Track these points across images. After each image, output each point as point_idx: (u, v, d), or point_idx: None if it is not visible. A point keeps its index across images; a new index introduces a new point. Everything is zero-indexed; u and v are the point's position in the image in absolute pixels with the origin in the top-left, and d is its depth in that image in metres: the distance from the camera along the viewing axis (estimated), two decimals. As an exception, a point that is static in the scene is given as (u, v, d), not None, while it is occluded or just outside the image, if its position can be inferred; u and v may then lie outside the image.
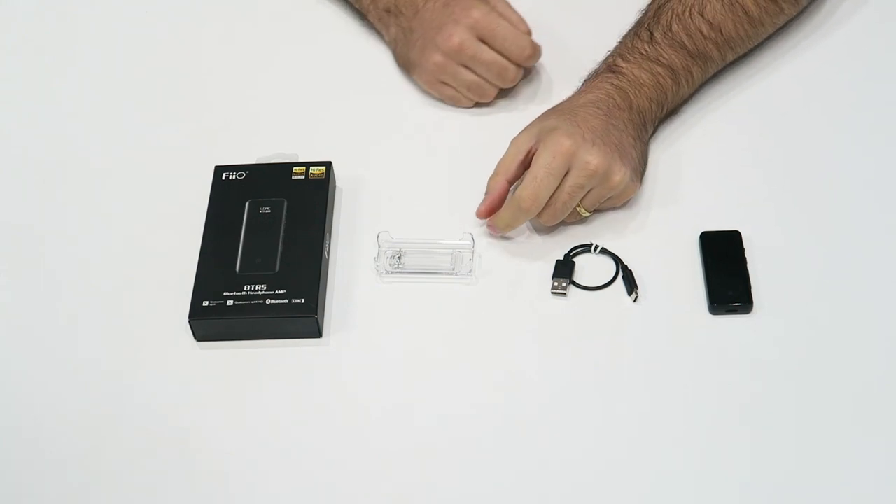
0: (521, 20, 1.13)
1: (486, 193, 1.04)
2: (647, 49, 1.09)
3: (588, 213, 1.04)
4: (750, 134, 1.12)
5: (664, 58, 1.08)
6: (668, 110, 1.10)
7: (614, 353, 0.98)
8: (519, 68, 1.12)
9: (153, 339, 1.01)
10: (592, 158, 1.00)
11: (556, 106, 1.08)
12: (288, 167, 1.08)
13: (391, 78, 1.17)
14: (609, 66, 1.09)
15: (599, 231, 1.05)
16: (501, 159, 1.04)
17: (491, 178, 1.04)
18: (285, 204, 1.05)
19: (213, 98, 1.19)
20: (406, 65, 1.15)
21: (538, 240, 1.05)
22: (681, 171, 1.09)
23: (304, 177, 1.07)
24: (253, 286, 1.00)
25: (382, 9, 1.16)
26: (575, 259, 1.03)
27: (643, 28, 1.10)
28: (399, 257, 1.04)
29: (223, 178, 1.08)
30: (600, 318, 1.00)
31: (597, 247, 1.04)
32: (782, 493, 0.90)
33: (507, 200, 1.03)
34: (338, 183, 1.10)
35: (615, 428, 0.94)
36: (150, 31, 1.27)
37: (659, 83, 1.08)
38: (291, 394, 0.97)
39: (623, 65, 1.08)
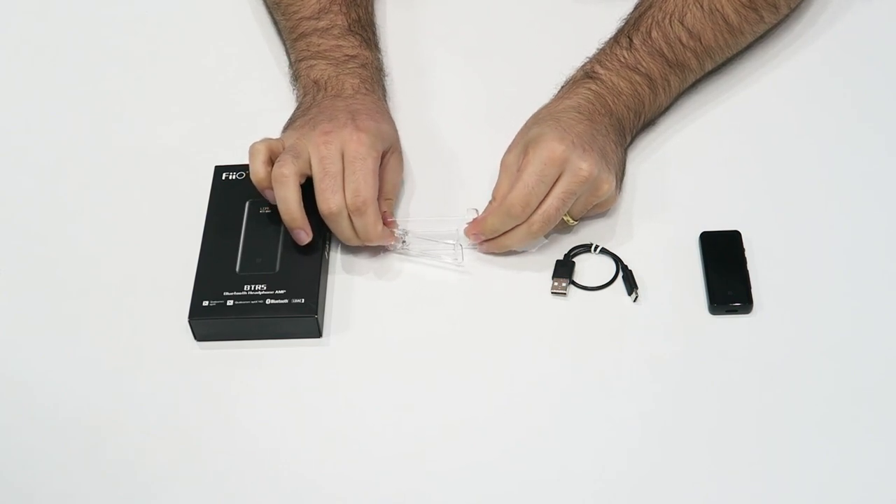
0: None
1: (482, 213, 1.03)
2: (626, 56, 1.08)
3: (575, 222, 1.03)
4: (751, 133, 1.12)
5: (643, 66, 1.07)
6: (644, 121, 1.09)
7: (614, 353, 0.98)
8: (342, 215, 1.00)
9: (153, 339, 1.01)
10: (584, 165, 0.99)
11: (536, 114, 1.06)
12: (288, 167, 1.08)
13: (387, 78, 1.17)
14: (587, 73, 1.08)
15: (599, 231, 1.05)
16: (496, 185, 1.03)
17: (490, 203, 1.02)
18: (285, 204, 1.05)
19: (213, 98, 1.19)
20: (291, 124, 1.07)
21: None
22: (681, 171, 1.09)
23: (303, 176, 1.07)
24: (253, 286, 1.00)
25: (312, 78, 1.10)
26: (575, 259, 1.03)
27: (623, 35, 1.10)
28: (403, 241, 1.04)
29: (223, 178, 1.08)
30: (600, 318, 1.00)
31: (597, 247, 1.04)
32: (783, 493, 0.90)
33: (494, 207, 1.01)
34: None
35: (615, 428, 0.94)
36: (150, 30, 1.27)
37: (637, 92, 1.07)
38: (292, 394, 0.97)
39: (601, 71, 1.07)
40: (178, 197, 1.10)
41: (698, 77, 1.12)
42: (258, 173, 1.02)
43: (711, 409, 0.94)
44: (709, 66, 1.12)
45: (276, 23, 1.21)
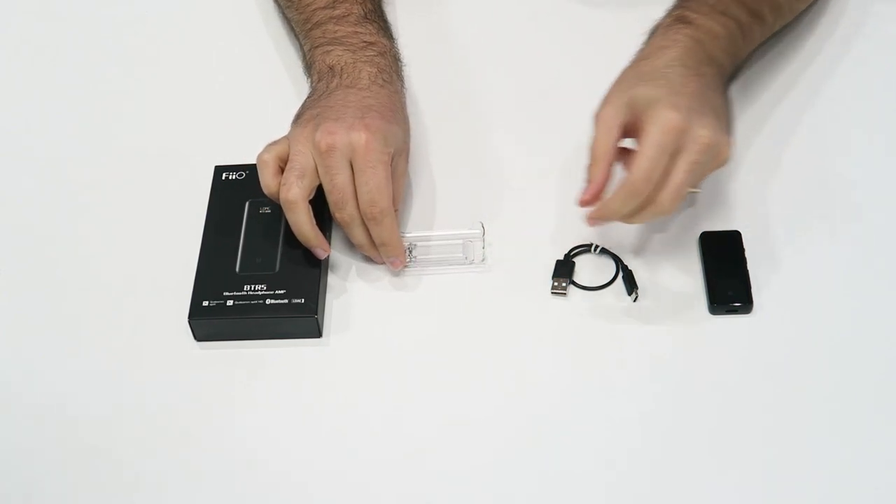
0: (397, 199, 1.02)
1: (588, 182, 0.96)
2: (714, 2, 1.04)
3: (699, 191, 0.98)
4: (751, 133, 1.12)
5: (731, 11, 1.04)
6: (736, 66, 1.05)
7: (614, 353, 0.98)
8: (355, 222, 0.99)
9: (153, 339, 1.01)
10: (705, 131, 0.93)
11: (636, 67, 0.99)
12: (288, 167, 1.08)
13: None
14: (678, 18, 1.02)
15: (599, 231, 1.05)
16: (594, 143, 0.95)
17: (590, 165, 0.96)
18: (285, 204, 1.05)
19: (214, 98, 1.19)
20: (300, 115, 1.04)
21: (538, 240, 1.05)
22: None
23: (304, 176, 1.07)
24: (253, 286, 1.00)
25: (327, 64, 1.08)
26: (575, 259, 1.03)
27: None
28: (410, 251, 1.04)
29: (223, 178, 1.08)
30: (600, 318, 1.00)
31: (597, 247, 1.04)
32: (783, 493, 0.90)
33: (616, 187, 0.94)
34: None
35: (615, 428, 0.94)
36: (150, 30, 1.27)
37: (731, 35, 1.03)
38: (291, 394, 0.97)
39: (693, 16, 1.02)
40: (178, 197, 1.10)
41: (768, 35, 1.09)
42: (270, 187, 1.00)
43: (711, 410, 0.94)
44: (777, 25, 1.10)
45: (288, 20, 1.19)
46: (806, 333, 0.98)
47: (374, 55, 1.08)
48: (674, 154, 0.93)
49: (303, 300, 0.99)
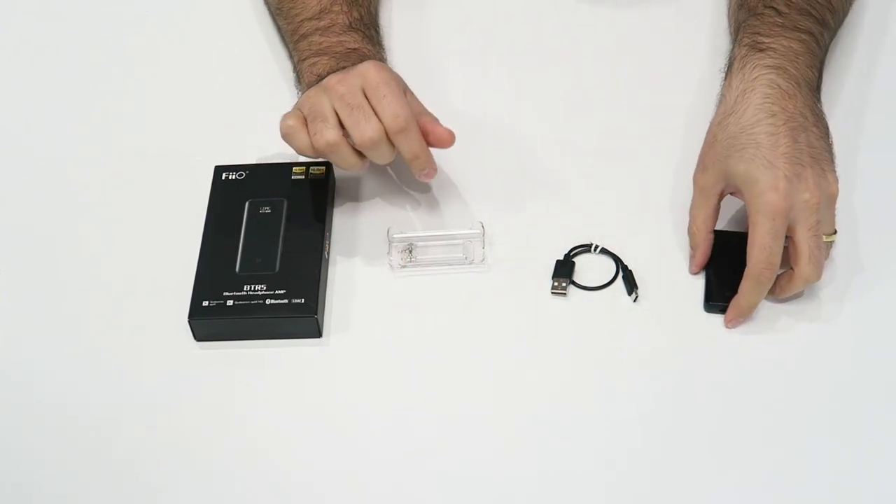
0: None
1: (693, 248, 1.01)
2: (782, 21, 1.03)
3: (834, 236, 0.98)
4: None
5: (801, 25, 1.03)
6: (821, 76, 1.03)
7: (614, 353, 0.98)
8: (382, 140, 0.98)
9: (153, 339, 1.01)
10: (808, 195, 0.93)
11: (724, 125, 0.99)
12: (288, 167, 1.08)
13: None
14: (752, 46, 1.01)
15: (599, 231, 1.05)
16: (695, 209, 1.01)
17: (693, 232, 1.01)
18: (285, 204, 1.05)
19: (213, 98, 1.19)
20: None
21: (538, 240, 1.05)
22: (681, 171, 1.09)
23: (303, 176, 1.07)
24: (253, 286, 1.00)
25: (315, 74, 1.08)
26: (575, 259, 1.03)
27: (765, 7, 1.04)
28: (410, 251, 1.04)
29: (223, 178, 1.08)
30: (600, 318, 1.00)
31: (597, 247, 1.04)
32: (783, 493, 0.90)
33: (743, 282, 0.96)
34: (337, 182, 1.10)
35: (615, 428, 0.94)
36: (150, 30, 1.27)
37: (809, 49, 1.02)
38: (291, 394, 0.97)
39: (766, 40, 1.01)
40: (178, 197, 1.10)
41: (830, 42, 1.08)
42: (307, 149, 1.00)
43: (712, 410, 0.94)
44: (836, 28, 1.09)
45: (279, 28, 1.20)
46: (805, 333, 0.98)
47: (358, 59, 1.08)
48: (790, 228, 0.94)
49: (303, 300, 0.99)
